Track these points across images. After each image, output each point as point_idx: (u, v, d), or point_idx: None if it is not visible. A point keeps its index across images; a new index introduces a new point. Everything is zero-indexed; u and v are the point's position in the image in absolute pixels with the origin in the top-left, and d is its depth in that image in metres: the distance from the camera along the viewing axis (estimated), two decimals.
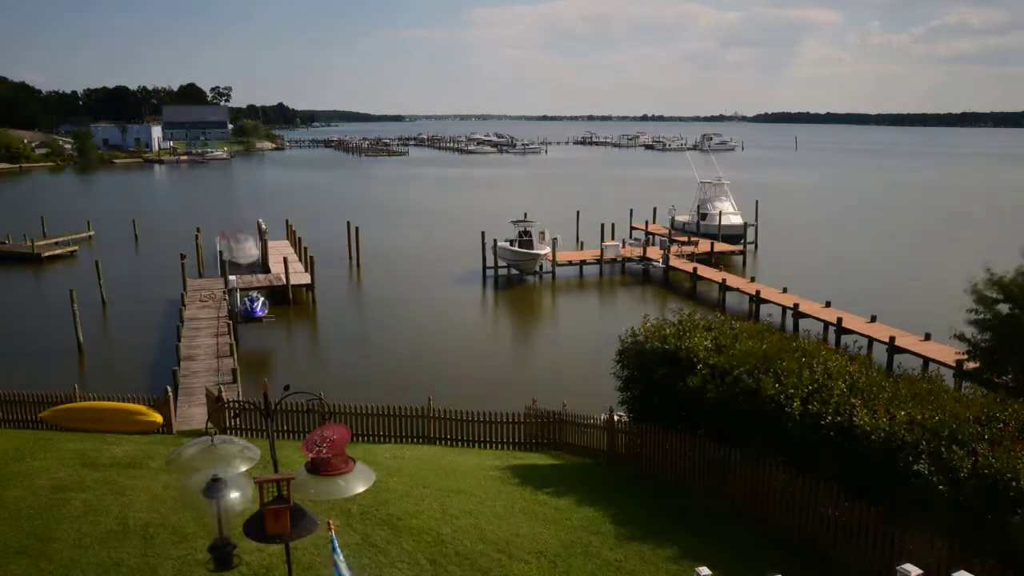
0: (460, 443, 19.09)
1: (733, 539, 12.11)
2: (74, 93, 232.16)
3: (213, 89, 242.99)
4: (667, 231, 57.71)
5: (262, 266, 45.51)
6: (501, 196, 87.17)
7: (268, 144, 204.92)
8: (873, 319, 31.98)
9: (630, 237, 57.02)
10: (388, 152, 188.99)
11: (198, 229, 46.19)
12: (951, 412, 11.06)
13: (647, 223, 58.94)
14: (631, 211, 60.67)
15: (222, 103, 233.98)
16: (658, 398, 15.09)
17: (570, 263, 47.94)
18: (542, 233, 47.49)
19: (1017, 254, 19.17)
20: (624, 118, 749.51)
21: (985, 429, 10.55)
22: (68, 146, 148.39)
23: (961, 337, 18.95)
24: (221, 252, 44.62)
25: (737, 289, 39.36)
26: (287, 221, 54.77)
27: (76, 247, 55.00)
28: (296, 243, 49.47)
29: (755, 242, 56.36)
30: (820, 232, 64.30)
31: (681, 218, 59.60)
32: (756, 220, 57.94)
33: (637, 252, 49.52)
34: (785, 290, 37.65)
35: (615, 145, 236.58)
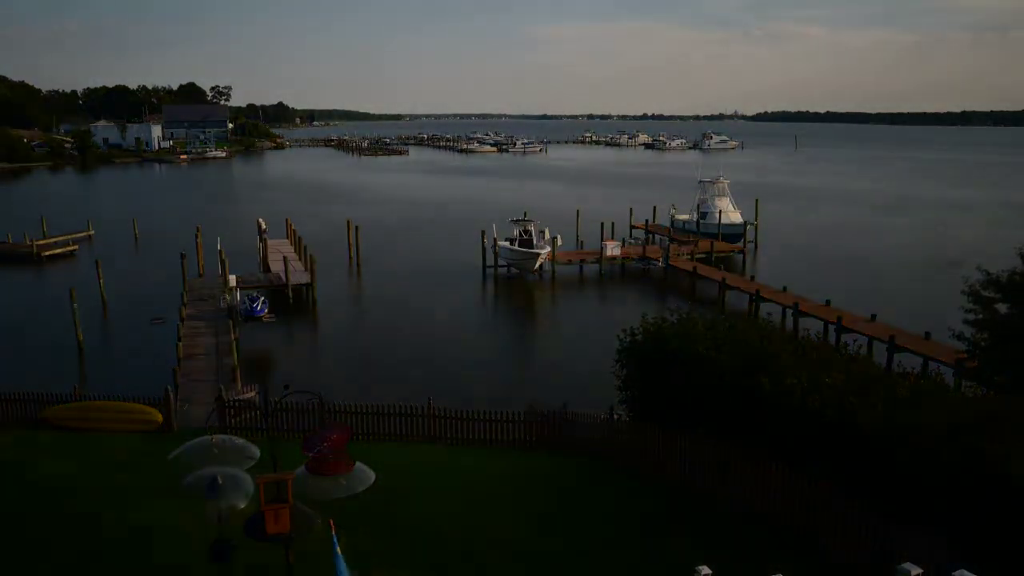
0: (460, 442, 19.10)
1: (734, 537, 12.12)
2: (74, 92, 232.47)
3: (213, 88, 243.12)
4: (667, 230, 57.76)
5: (262, 266, 45.53)
6: (501, 195, 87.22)
7: (268, 143, 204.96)
8: (873, 318, 31.98)
9: (630, 236, 57.07)
10: (387, 151, 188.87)
11: (198, 228, 46.18)
12: (951, 410, 11.07)
13: (647, 222, 58.94)
14: (631, 210, 60.70)
15: (222, 102, 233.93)
16: (658, 397, 15.11)
17: (570, 262, 47.95)
18: (542, 232, 47.52)
19: (1012, 254, 19.17)
20: (624, 117, 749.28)
21: (984, 427, 10.56)
22: (68, 145, 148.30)
23: (960, 336, 18.94)
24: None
25: (737, 288, 39.35)
26: (287, 220, 54.77)
27: (76, 246, 55.00)
28: (296, 242, 49.46)
29: (755, 241, 56.36)
30: (820, 231, 64.29)
31: (681, 217, 59.62)
32: (756, 219, 57.95)
33: (637, 251, 49.54)
34: (785, 289, 37.65)
35: (615, 144, 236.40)
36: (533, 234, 47.26)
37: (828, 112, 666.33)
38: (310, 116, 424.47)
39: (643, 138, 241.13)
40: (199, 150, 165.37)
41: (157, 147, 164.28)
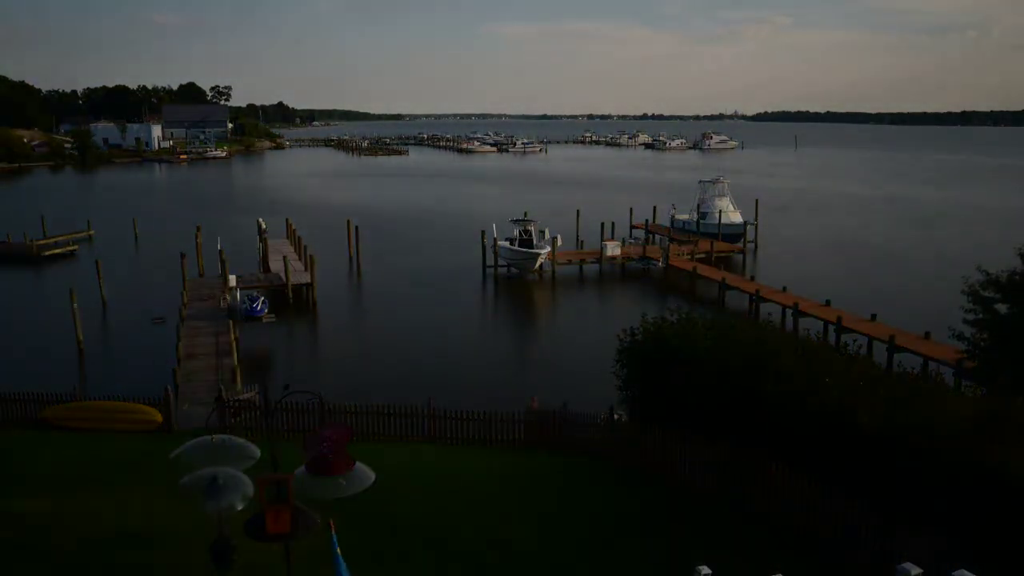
0: (460, 442, 19.11)
1: (734, 537, 12.11)
2: (74, 92, 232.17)
3: (213, 88, 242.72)
4: (667, 230, 57.77)
5: (262, 266, 45.55)
6: (501, 193, 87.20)
7: (268, 143, 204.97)
8: (873, 318, 31.98)
9: (630, 236, 57.07)
10: (387, 151, 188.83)
11: (198, 228, 46.18)
12: (950, 410, 11.07)
13: (647, 222, 58.96)
14: (631, 210, 60.70)
15: (222, 102, 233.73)
16: (658, 397, 15.10)
17: (570, 262, 47.95)
18: (542, 232, 47.53)
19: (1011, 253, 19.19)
20: (624, 117, 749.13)
21: (984, 426, 10.56)
22: (68, 145, 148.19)
23: (960, 336, 18.97)
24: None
25: (737, 288, 39.35)
26: (287, 220, 54.77)
27: (76, 246, 54.98)
28: (296, 242, 49.46)
29: (755, 241, 56.37)
30: (820, 232, 64.28)
31: (681, 217, 59.63)
32: (756, 219, 57.95)
33: (637, 251, 49.55)
34: (785, 289, 37.65)
35: (615, 144, 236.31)
36: (533, 234, 47.28)
37: (828, 112, 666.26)
38: (310, 116, 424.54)
39: (643, 138, 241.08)
40: (199, 150, 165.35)
41: (157, 147, 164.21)
